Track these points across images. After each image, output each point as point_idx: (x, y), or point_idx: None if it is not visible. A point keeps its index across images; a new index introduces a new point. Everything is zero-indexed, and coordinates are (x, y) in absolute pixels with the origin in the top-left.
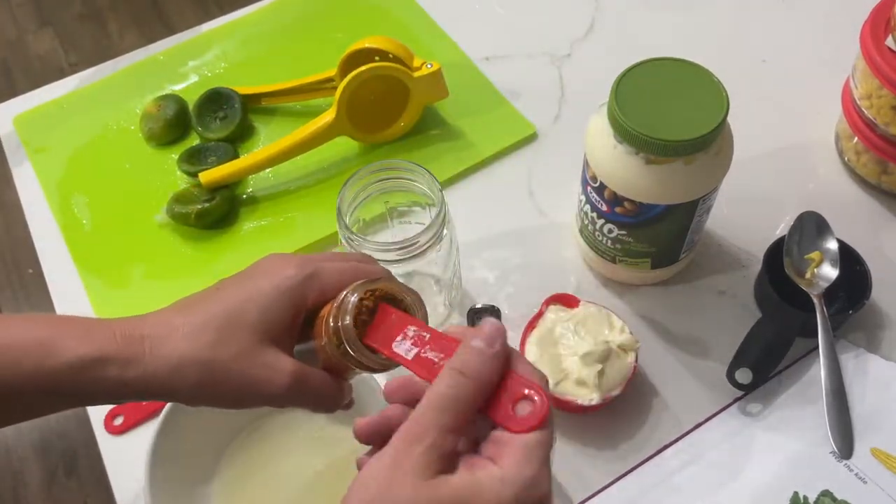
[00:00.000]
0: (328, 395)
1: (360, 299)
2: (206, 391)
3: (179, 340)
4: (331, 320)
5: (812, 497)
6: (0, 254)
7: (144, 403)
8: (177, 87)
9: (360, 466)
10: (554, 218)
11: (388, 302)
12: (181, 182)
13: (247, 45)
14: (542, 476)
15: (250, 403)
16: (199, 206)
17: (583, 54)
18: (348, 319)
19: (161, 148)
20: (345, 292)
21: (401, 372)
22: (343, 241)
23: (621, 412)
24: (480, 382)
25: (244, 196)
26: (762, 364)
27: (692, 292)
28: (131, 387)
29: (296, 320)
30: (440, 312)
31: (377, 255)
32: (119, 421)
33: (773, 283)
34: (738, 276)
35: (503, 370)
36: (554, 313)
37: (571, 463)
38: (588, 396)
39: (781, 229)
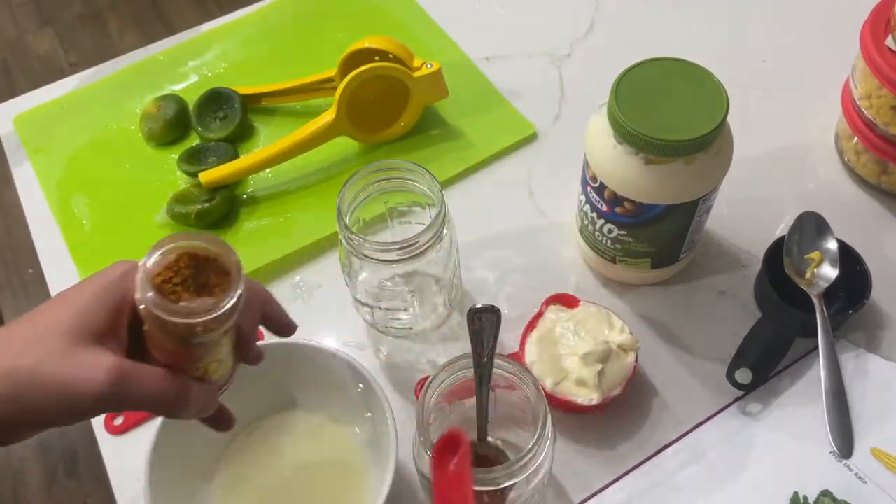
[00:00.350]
0: (165, 393)
1: (161, 262)
2: (19, 403)
3: None
4: (137, 295)
5: (812, 497)
6: (0, 254)
7: None
8: (177, 87)
9: None
10: (554, 218)
11: (200, 261)
12: (181, 182)
13: (247, 45)
14: None
15: (76, 409)
16: (199, 206)
17: (583, 54)
18: (150, 291)
19: (161, 148)
20: (140, 262)
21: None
22: (343, 241)
23: (621, 412)
24: None
25: (244, 196)
26: (762, 364)
27: (692, 292)
28: None
29: (119, 318)
30: (440, 312)
31: (377, 256)
32: (119, 421)
33: (773, 283)
34: (738, 276)
35: None
36: (554, 313)
37: (571, 463)
38: (588, 396)
39: (781, 229)
